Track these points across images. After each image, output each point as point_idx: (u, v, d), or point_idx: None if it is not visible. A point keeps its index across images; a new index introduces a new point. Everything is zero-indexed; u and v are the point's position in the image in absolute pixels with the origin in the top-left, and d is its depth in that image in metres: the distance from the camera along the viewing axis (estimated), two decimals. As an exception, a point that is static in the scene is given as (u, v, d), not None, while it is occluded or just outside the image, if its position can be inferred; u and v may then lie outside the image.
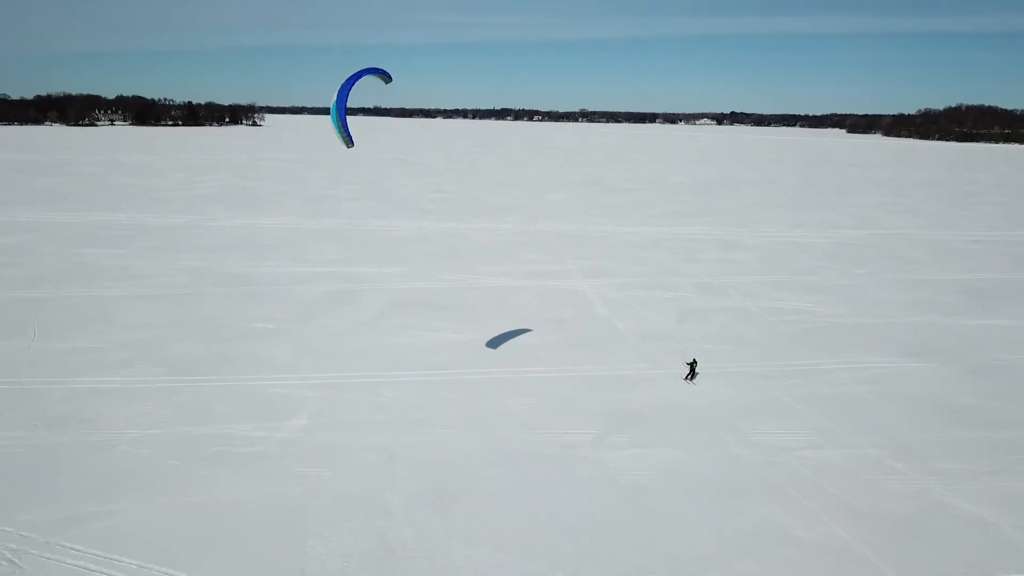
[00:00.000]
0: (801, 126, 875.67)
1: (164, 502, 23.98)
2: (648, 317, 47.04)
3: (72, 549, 21.31)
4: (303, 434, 29.16)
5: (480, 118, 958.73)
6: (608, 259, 65.39)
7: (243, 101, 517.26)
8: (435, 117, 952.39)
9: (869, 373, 37.51)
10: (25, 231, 73.40)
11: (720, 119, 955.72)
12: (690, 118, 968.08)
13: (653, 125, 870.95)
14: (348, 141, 34.22)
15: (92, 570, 20.37)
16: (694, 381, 35.20)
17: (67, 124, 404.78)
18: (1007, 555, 22.05)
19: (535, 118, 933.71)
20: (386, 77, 34.55)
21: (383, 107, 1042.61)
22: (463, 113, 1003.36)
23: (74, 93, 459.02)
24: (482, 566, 21.03)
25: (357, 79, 33.14)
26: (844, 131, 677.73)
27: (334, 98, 33.08)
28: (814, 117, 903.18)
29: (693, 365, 35.47)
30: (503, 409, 32.05)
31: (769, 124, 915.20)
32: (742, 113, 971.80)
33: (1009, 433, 30.85)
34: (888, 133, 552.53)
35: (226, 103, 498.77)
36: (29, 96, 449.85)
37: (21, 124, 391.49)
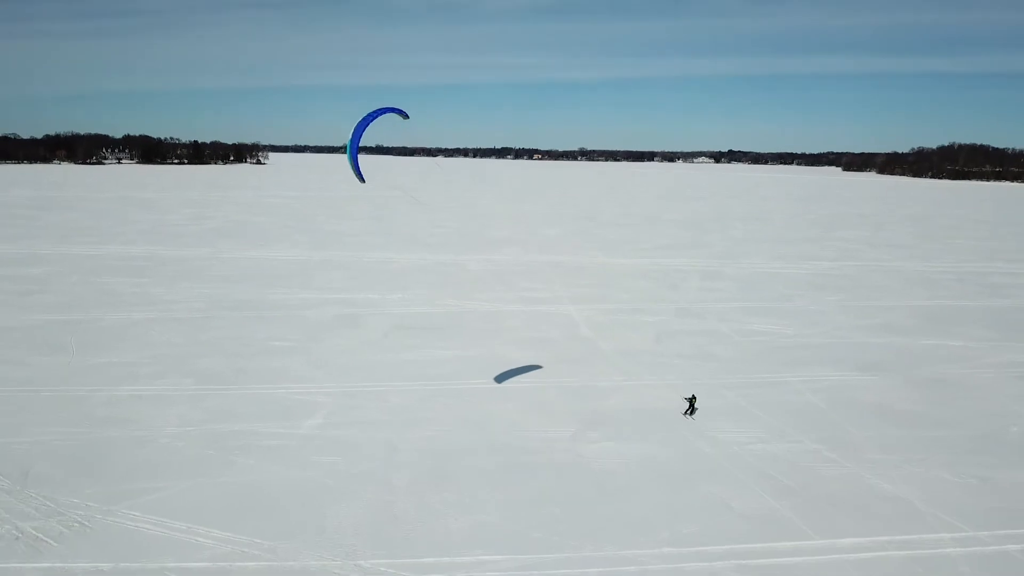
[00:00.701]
0: (798, 164, 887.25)
1: (202, 481, 28.26)
2: (628, 337, 51.54)
3: (130, 514, 25.59)
4: (319, 431, 33.50)
5: (481, 156, 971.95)
6: (596, 287, 70.05)
7: (247, 140, 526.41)
8: (436, 156, 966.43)
9: (823, 384, 41.90)
10: (49, 263, 78.20)
11: (718, 157, 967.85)
12: (688, 156, 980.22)
13: (652, 163, 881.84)
14: (360, 177, 35.86)
15: (149, 530, 24.62)
16: (693, 416, 35.96)
17: (75, 162, 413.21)
18: (912, 521, 26.26)
19: (535, 156, 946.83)
20: (403, 115, 36.02)
21: (385, 146, 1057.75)
22: (464, 152, 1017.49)
23: (82, 132, 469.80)
24: (471, 529, 25.25)
25: (374, 117, 33.84)
26: (840, 169, 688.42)
27: (350, 135, 34.45)
28: (811, 155, 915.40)
29: (692, 401, 36.40)
30: (492, 412, 36.42)
31: (766, 162, 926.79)
32: (740, 151, 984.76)
33: (939, 432, 35.13)
34: (882, 171, 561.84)
35: (230, 142, 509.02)
36: (38, 135, 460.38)
37: (31, 162, 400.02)
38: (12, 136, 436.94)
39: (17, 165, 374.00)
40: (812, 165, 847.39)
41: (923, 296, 69.15)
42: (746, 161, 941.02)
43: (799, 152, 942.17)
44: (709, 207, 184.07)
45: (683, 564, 23.22)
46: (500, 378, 41.51)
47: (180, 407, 36.23)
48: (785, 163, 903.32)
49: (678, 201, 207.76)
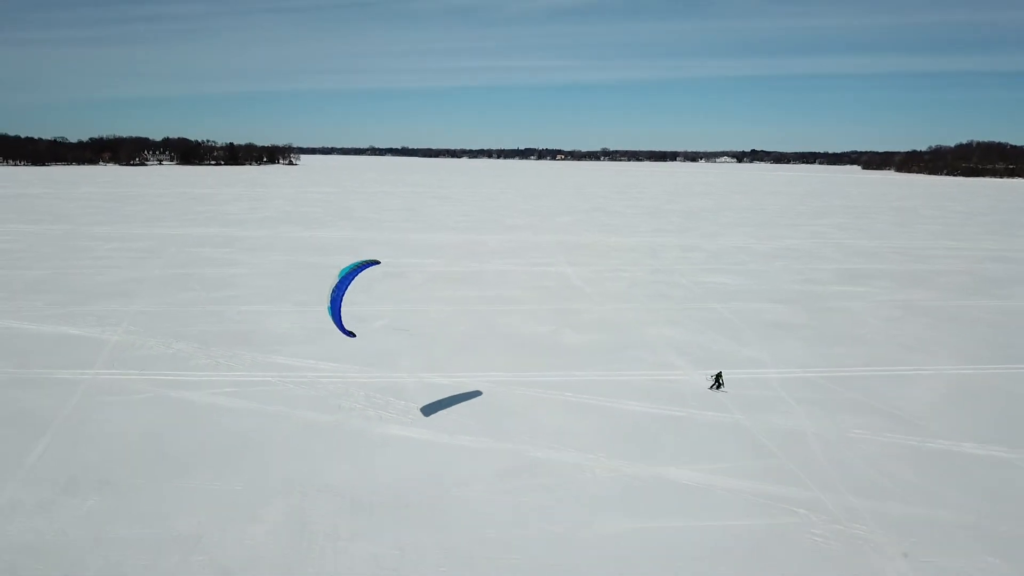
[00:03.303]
0: (820, 163, 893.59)
1: (315, 348, 45.17)
2: (607, 285, 68.04)
3: (284, 361, 42.59)
4: (383, 328, 50.37)
5: (505, 157, 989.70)
6: (591, 257, 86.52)
7: (279, 142, 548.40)
8: (461, 157, 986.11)
9: (739, 309, 58.04)
10: (148, 239, 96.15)
11: (740, 157, 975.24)
12: (710, 156, 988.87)
13: (673, 163, 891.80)
14: (346, 333, 34.40)
15: (299, 364, 41.53)
16: (722, 389, 38.15)
17: (119, 164, 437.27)
18: (755, 364, 42.47)
19: (558, 157, 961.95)
20: (374, 263, 35.04)
21: (410, 147, 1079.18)
22: (488, 153, 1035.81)
23: (124, 135, 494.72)
24: (484, 366, 41.87)
25: (351, 279, 33.05)
26: (859, 167, 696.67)
27: (327, 302, 33.04)
28: (832, 154, 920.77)
29: (718, 376, 38.56)
30: (500, 321, 53.12)
31: (788, 161, 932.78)
32: (762, 151, 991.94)
33: (804, 332, 51.03)
34: (899, 169, 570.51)
35: (263, 144, 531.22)
36: (84, 138, 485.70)
37: (78, 164, 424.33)
38: (61, 140, 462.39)
39: (68, 167, 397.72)
40: (834, 164, 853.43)
41: (858, 262, 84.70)
42: (768, 161, 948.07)
43: (821, 151, 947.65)
44: (713, 201, 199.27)
45: (610, 378, 39.70)
46: (506, 305, 58.24)
47: (289, 317, 53.35)
48: (807, 163, 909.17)
49: (686, 196, 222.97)
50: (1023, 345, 48.58)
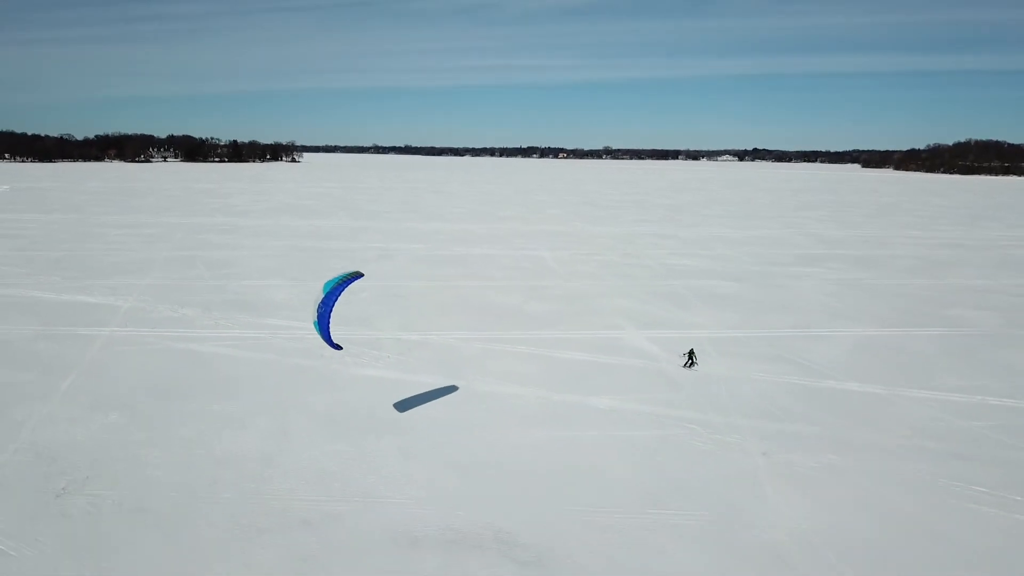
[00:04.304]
0: (821, 162, 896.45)
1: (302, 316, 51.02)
2: (578, 267, 73.82)
3: (286, 324, 48.43)
4: (368, 296, 56.19)
5: (507, 156, 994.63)
6: (570, 244, 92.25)
7: (282, 140, 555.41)
8: (463, 155, 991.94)
9: (693, 286, 63.70)
10: (156, 227, 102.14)
11: (742, 155, 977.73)
12: (712, 155, 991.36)
13: (675, 162, 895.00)
14: (333, 345, 33.29)
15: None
16: (693, 368, 39.44)
17: (124, 161, 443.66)
18: (691, 326, 48.20)
19: (560, 156, 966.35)
20: (359, 276, 34.02)
21: (413, 146, 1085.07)
22: (491, 151, 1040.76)
23: (130, 133, 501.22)
24: (455, 326, 47.64)
25: (338, 295, 32.32)
26: (859, 166, 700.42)
27: (314, 316, 31.99)
28: (834, 153, 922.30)
29: (691, 354, 39.94)
30: (474, 293, 58.89)
31: (790, 160, 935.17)
32: (764, 150, 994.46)
33: (745, 303, 56.69)
34: (898, 167, 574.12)
35: (267, 141, 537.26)
36: (90, 136, 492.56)
37: (84, 161, 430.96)
38: (68, 137, 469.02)
39: (74, 163, 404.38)
40: (835, 163, 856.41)
41: (821, 248, 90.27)
42: (770, 159, 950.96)
43: (823, 150, 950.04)
44: (702, 196, 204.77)
45: (560, 336, 45.43)
46: (482, 281, 64.10)
47: (284, 290, 59.20)
48: (809, 161, 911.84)
49: (677, 191, 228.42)
50: (935, 313, 54.20)
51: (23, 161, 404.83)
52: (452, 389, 35.92)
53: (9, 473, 26.10)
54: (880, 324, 50.55)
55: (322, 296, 32.11)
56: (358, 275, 33.68)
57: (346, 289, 33.23)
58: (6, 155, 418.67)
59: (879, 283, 66.50)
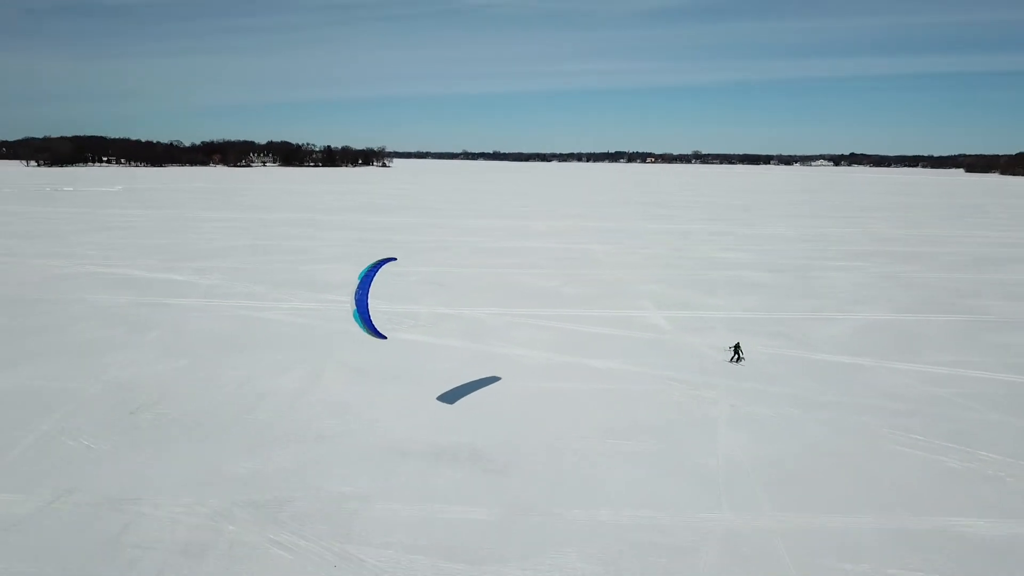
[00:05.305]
0: (923, 166, 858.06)
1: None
2: (624, 258, 77.41)
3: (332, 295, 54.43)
4: (427, 277, 61.65)
5: (594, 161, 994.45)
6: (624, 238, 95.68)
7: (374, 145, 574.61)
8: (550, 160, 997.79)
9: (729, 275, 66.28)
10: (244, 222, 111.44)
11: (838, 160, 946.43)
12: (806, 160, 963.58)
13: (767, 167, 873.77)
14: (379, 336, 32.32)
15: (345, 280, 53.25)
16: (740, 363, 38.40)
17: (227, 165, 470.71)
18: (700, 308, 51.33)
19: (648, 160, 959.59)
20: (391, 260, 34.35)
21: (502, 152, 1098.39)
22: (578, 156, 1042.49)
23: (232, 139, 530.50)
24: (494, 305, 52.40)
25: (372, 279, 31.81)
26: (963, 171, 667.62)
27: (353, 306, 31.10)
28: (936, 158, 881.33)
29: (737, 348, 39.03)
30: (514, 279, 63.51)
31: (889, 165, 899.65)
32: (861, 154, 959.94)
33: (774, 291, 59.14)
34: (1004, 172, 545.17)
35: (359, 147, 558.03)
36: (197, 142, 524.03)
37: (191, 165, 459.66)
38: (177, 143, 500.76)
39: (182, 167, 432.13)
40: (937, 168, 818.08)
41: (873, 245, 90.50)
42: (867, 164, 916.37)
43: (925, 155, 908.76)
44: (776, 198, 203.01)
45: (583, 313, 49.51)
46: (526, 269, 68.72)
47: (345, 273, 65.24)
48: (910, 166, 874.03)
49: (752, 193, 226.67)
50: (957, 302, 55.32)
51: (136, 166, 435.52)
52: (470, 350, 40.63)
53: (96, 398, 32.39)
54: (896, 310, 52.32)
55: (357, 282, 31.44)
56: (391, 259, 34.51)
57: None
58: (121, 160, 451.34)
59: (917, 276, 67.37)
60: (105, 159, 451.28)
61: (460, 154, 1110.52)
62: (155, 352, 39.39)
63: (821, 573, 19.18)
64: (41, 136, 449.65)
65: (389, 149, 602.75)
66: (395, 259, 35.71)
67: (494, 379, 35.64)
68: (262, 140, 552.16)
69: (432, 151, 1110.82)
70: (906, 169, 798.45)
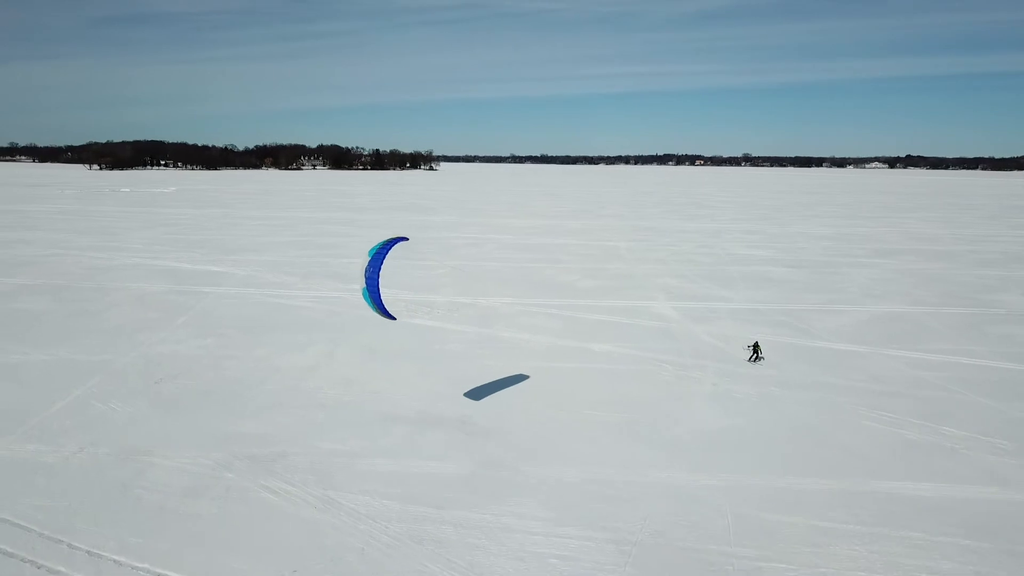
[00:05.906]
0: (983, 168, 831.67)
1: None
2: (647, 254, 78.61)
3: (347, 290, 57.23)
4: (456, 270, 64.06)
5: (642, 163, 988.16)
6: (653, 235, 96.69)
7: (422, 149, 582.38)
8: (598, 164, 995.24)
9: (749, 270, 67.08)
10: (283, 220, 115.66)
11: (892, 162, 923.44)
12: (860, 162, 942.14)
13: (819, 169, 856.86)
14: (387, 315, 32.09)
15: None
16: (759, 361, 37.56)
17: (279, 168, 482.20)
18: (707, 298, 52.47)
19: (697, 163, 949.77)
20: (403, 240, 33.47)
21: (549, 155, 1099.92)
22: (625, 159, 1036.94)
23: (284, 143, 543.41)
24: (506, 287, 54.44)
25: (383, 256, 31.56)
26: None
27: (363, 283, 30.98)
28: (997, 160, 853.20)
29: (756, 347, 38.17)
30: (534, 272, 65.41)
31: (947, 167, 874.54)
32: (918, 156, 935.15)
33: (791, 285, 59.86)
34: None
35: (407, 151, 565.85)
36: (250, 146, 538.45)
37: (245, 168, 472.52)
38: (231, 147, 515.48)
39: (235, 170, 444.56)
40: (998, 170, 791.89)
41: (905, 243, 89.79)
42: (924, 166, 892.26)
43: (986, 157, 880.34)
44: (814, 199, 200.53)
45: (594, 304, 51.15)
46: (549, 264, 70.58)
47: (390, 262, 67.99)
48: (970, 168, 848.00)
49: (791, 194, 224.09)
50: (973, 297, 55.32)
51: (192, 169, 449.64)
52: (479, 335, 42.73)
53: (125, 369, 35.41)
54: (909, 303, 52.70)
55: (367, 260, 31.15)
56: (402, 238, 33.26)
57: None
58: (178, 163, 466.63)
59: (942, 273, 67.16)
60: (163, 162, 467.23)
61: (507, 158, 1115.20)
62: (185, 333, 42.45)
63: (753, 522, 20.71)
64: (103, 141, 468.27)
65: (436, 153, 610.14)
66: (407, 239, 33.99)
67: (493, 358, 37.64)
68: (313, 144, 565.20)
69: (480, 155, 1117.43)
70: (964, 172, 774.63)
